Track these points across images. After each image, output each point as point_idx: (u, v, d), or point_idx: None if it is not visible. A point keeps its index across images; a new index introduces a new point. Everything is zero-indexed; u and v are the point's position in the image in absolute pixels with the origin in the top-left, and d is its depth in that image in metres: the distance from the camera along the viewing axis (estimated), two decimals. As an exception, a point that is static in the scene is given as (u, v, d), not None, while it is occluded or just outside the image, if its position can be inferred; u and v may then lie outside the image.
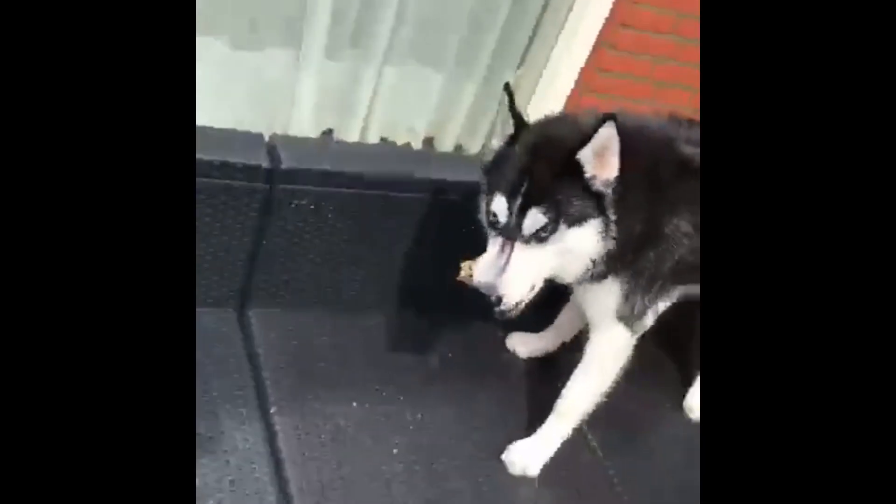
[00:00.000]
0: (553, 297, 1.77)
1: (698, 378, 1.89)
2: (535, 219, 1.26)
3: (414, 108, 2.27)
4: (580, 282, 1.41)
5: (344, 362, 1.65)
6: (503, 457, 1.58)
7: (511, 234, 1.27)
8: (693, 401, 1.87)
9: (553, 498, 1.57)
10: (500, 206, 1.28)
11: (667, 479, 1.68)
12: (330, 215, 1.63)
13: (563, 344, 1.82)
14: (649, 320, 1.53)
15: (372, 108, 2.19)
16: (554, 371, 1.73)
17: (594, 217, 1.29)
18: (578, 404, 1.58)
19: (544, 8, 2.24)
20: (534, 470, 1.58)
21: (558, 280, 1.39)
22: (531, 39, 2.26)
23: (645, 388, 1.73)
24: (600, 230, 1.30)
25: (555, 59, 2.25)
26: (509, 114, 1.31)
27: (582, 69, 2.24)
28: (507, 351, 1.84)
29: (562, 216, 1.26)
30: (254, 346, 1.61)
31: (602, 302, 1.47)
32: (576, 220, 1.28)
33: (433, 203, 1.70)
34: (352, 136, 2.17)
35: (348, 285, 1.74)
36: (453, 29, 2.18)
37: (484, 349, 1.81)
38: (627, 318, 1.49)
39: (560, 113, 1.37)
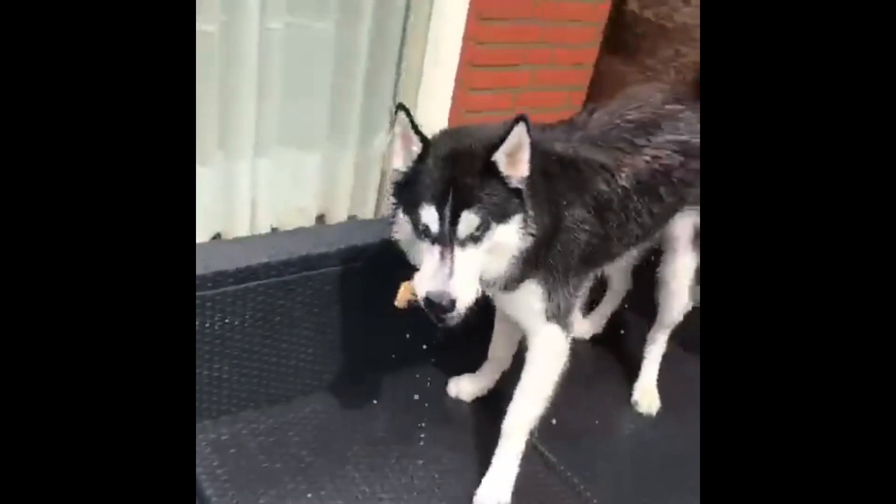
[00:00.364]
0: (480, 333, 1.81)
1: (641, 372, 1.92)
2: (468, 220, 1.29)
3: (297, 190, 2.27)
4: (502, 287, 1.44)
5: (287, 456, 1.58)
6: (475, 501, 1.55)
7: (446, 240, 1.29)
8: (638, 394, 1.90)
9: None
10: (430, 216, 1.29)
11: (630, 474, 1.69)
12: (248, 312, 1.60)
13: (504, 374, 1.82)
14: (575, 314, 1.57)
15: (255, 201, 2.18)
16: (501, 401, 1.72)
17: (517, 212, 1.34)
18: (525, 415, 1.57)
19: (399, 69, 2.32)
20: (506, 498, 1.56)
21: (481, 285, 1.38)
22: (394, 100, 2.32)
23: (586, 389, 1.75)
24: (521, 225, 1.35)
25: (421, 113, 2.31)
26: (412, 132, 1.34)
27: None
28: (451, 398, 1.83)
29: (490, 214, 1.30)
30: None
31: (529, 305, 1.49)
32: (502, 217, 1.32)
33: (345, 272, 1.70)
34: (242, 233, 2.15)
35: (276, 377, 1.70)
36: (316, 106, 2.21)
37: (426, 402, 1.78)
38: (557, 315, 1.51)
39: (459, 126, 1.41)
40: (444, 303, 1.26)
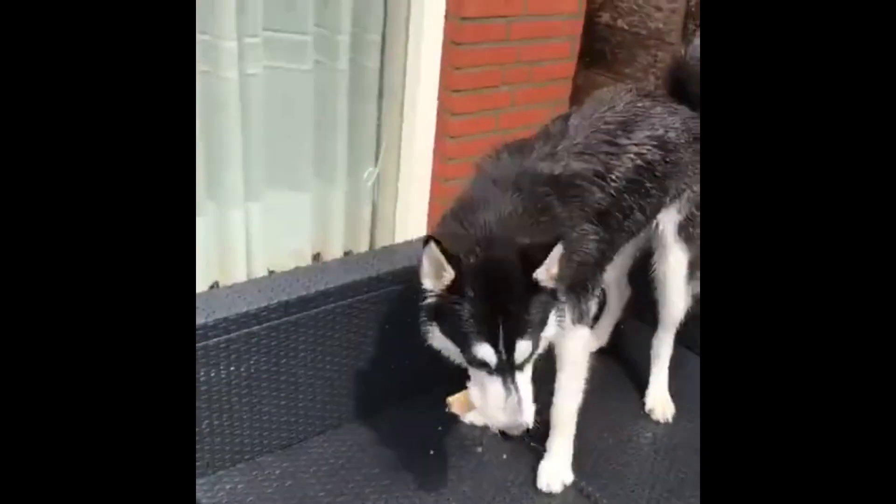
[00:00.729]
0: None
1: (651, 380, 1.91)
2: (523, 348, 1.31)
3: (291, 232, 2.28)
4: None
5: (305, 499, 1.56)
6: (540, 485, 1.62)
7: (505, 370, 1.32)
8: (650, 402, 1.88)
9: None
10: (487, 353, 1.31)
11: (649, 484, 1.67)
12: (252, 357, 1.60)
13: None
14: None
15: (250, 247, 2.19)
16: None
17: (555, 307, 1.38)
18: (569, 407, 1.63)
19: (380, 102, 2.34)
20: (570, 477, 1.63)
21: None
22: (378, 132, 2.33)
23: (600, 399, 1.73)
24: (558, 312, 1.40)
25: (406, 143, 2.33)
26: (444, 262, 1.31)
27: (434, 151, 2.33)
28: (466, 425, 1.81)
29: (538, 329, 1.34)
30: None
31: (559, 322, 1.48)
32: (545, 322, 1.36)
33: (346, 308, 1.70)
34: (239, 280, 2.15)
35: (287, 420, 1.69)
36: (302, 146, 2.23)
37: (440, 431, 1.77)
38: (582, 318, 1.58)
39: (472, 235, 1.38)
40: (519, 432, 1.34)
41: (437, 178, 2.32)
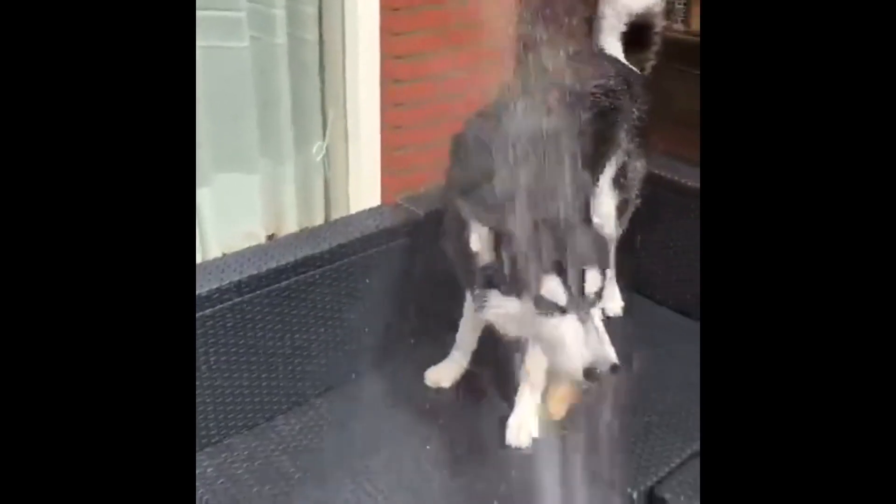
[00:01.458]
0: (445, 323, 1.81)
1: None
2: (592, 279, 1.28)
3: (242, 214, 2.25)
4: None
5: (276, 476, 1.57)
6: (508, 438, 1.62)
7: (579, 306, 1.27)
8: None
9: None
10: (556, 290, 1.27)
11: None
12: (211, 340, 1.58)
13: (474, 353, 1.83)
14: None
15: (202, 232, 2.15)
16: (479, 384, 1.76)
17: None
18: (541, 361, 1.61)
19: (322, 74, 2.30)
20: (536, 430, 1.63)
21: None
22: (323, 105, 2.30)
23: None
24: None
25: (352, 115, 2.30)
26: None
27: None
28: (431, 389, 1.82)
29: (603, 262, 1.35)
30: None
31: None
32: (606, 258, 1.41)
33: (302, 284, 1.69)
34: (194, 265, 2.12)
35: (250, 402, 1.68)
36: (246, 126, 2.19)
37: (406, 398, 1.78)
38: None
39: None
40: (606, 367, 1.25)
41: (387, 148, 2.30)
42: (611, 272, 2.07)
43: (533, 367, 1.64)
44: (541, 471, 1.58)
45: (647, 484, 1.56)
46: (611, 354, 1.26)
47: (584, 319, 1.27)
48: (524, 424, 1.65)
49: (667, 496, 1.52)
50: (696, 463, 1.59)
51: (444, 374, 1.84)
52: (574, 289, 1.27)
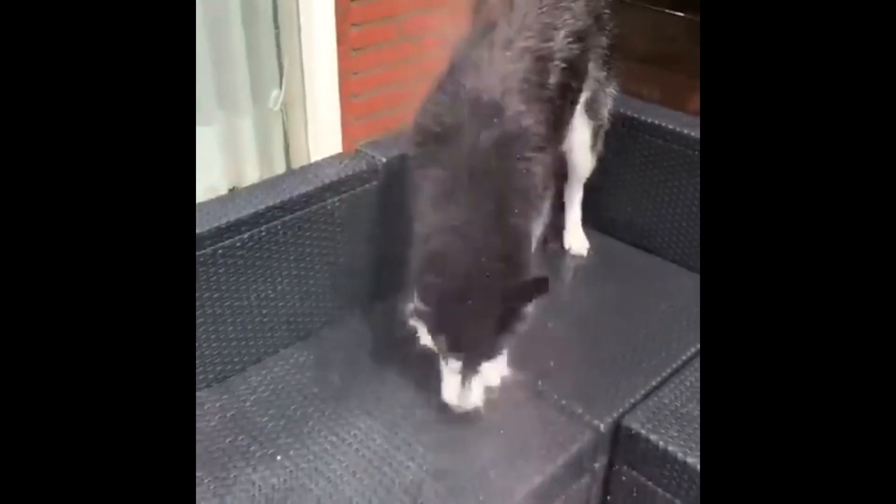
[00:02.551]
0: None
1: (566, 219, 2.13)
2: (487, 367, 1.54)
3: (202, 168, 2.19)
4: None
5: (248, 426, 1.58)
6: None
7: (467, 374, 1.53)
8: (569, 241, 2.12)
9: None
10: (454, 366, 1.52)
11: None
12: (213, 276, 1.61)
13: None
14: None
15: (162, 187, 2.12)
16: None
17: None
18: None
19: (276, 21, 2.24)
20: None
21: None
22: (278, 53, 2.25)
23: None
24: None
25: (308, 62, 2.26)
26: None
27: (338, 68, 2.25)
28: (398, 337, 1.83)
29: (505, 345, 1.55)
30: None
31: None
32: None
33: (266, 234, 1.68)
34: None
35: (219, 355, 1.68)
36: (201, 79, 2.14)
37: (376, 345, 1.79)
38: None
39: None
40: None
41: (346, 95, 2.26)
42: (577, 214, 2.10)
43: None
44: (508, 409, 1.61)
45: (614, 416, 1.60)
46: (468, 407, 1.53)
47: (464, 383, 1.52)
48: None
49: (633, 427, 1.56)
50: (661, 394, 1.63)
51: None
52: (467, 367, 1.50)
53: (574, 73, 1.73)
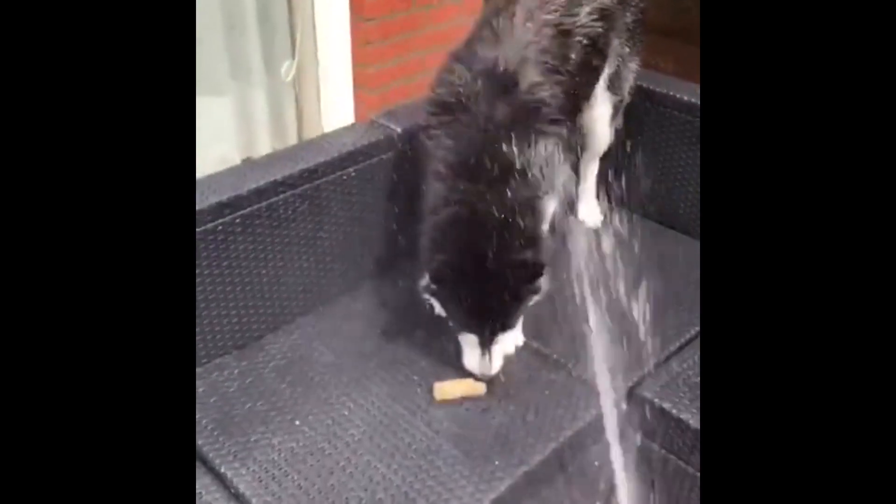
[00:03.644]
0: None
1: (581, 191, 2.12)
2: (506, 338, 1.59)
3: (215, 138, 2.21)
4: None
5: (267, 392, 1.60)
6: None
7: (486, 343, 1.58)
8: (583, 213, 2.13)
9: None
10: (472, 340, 1.57)
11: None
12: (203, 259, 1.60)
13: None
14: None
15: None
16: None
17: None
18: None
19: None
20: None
21: None
22: (290, 23, 2.25)
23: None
24: None
25: (321, 32, 2.25)
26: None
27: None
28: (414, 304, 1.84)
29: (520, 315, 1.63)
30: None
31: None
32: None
33: (282, 205, 1.69)
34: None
35: (238, 322, 1.70)
36: (214, 49, 2.14)
37: (390, 313, 1.81)
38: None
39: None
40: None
41: (358, 65, 2.26)
42: (592, 185, 2.10)
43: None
44: (523, 378, 1.63)
45: (628, 385, 1.62)
46: (490, 373, 1.57)
47: (485, 353, 1.57)
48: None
49: (647, 395, 1.58)
50: (674, 364, 1.65)
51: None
52: (486, 339, 1.54)
53: (596, 49, 1.73)
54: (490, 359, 1.56)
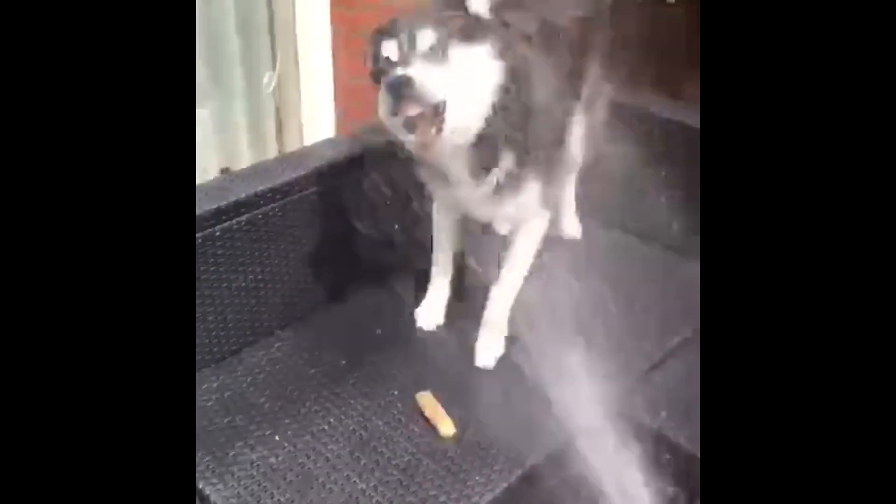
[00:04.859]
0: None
1: (561, 209, 2.06)
2: (425, 35, 1.33)
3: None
4: (499, 190, 1.50)
5: (246, 407, 1.59)
6: (477, 360, 1.68)
7: (406, 57, 1.33)
8: (565, 226, 2.08)
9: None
10: (390, 47, 1.36)
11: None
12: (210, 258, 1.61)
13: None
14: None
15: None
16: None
17: (485, 36, 1.38)
18: (509, 297, 1.70)
19: (270, 4, 2.24)
20: (501, 350, 1.68)
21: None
22: (271, 33, 2.25)
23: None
24: (492, 53, 1.38)
25: (302, 43, 2.26)
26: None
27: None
28: (397, 316, 1.84)
29: (449, 32, 1.35)
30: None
31: (528, 204, 1.58)
32: (466, 36, 1.36)
33: (262, 217, 1.69)
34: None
35: (216, 336, 1.69)
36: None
37: (368, 327, 1.80)
38: (548, 201, 1.63)
39: None
40: (401, 85, 1.29)
41: (340, 77, 2.27)
42: (571, 198, 2.11)
43: (494, 302, 1.69)
44: (501, 396, 1.63)
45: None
46: (411, 74, 1.31)
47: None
48: (492, 346, 1.69)
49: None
50: (654, 378, 1.66)
51: (434, 310, 1.83)
52: (405, 47, 1.34)
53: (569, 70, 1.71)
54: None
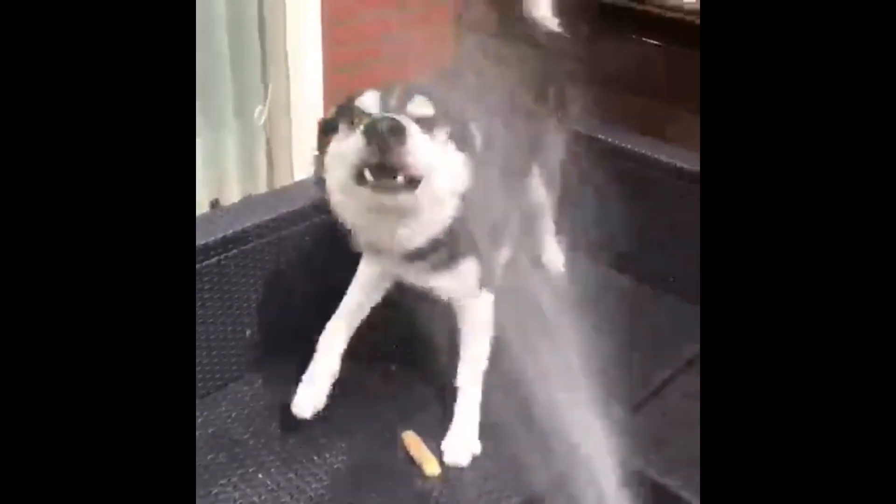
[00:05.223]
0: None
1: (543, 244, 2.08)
2: (421, 101, 1.25)
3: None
4: (433, 266, 1.43)
5: (228, 443, 1.58)
6: (446, 459, 1.54)
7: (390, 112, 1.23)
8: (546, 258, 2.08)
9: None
10: (371, 100, 1.26)
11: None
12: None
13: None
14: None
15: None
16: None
17: (469, 144, 1.30)
18: (476, 370, 1.60)
19: (262, 36, 2.26)
20: (478, 448, 1.56)
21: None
22: (263, 67, 2.27)
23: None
24: (467, 162, 1.29)
25: (294, 76, 2.27)
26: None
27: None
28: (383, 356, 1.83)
29: (444, 116, 1.26)
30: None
31: (465, 284, 1.50)
32: (455, 137, 1.28)
33: (252, 252, 1.70)
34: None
35: (200, 368, 1.68)
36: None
37: (359, 365, 1.80)
38: (490, 281, 1.54)
39: None
40: (391, 129, 1.15)
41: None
42: (551, 230, 2.12)
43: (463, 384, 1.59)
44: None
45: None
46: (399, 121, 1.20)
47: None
48: (465, 443, 1.57)
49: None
50: (637, 417, 1.66)
51: (312, 400, 1.60)
52: (393, 102, 1.23)
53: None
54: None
